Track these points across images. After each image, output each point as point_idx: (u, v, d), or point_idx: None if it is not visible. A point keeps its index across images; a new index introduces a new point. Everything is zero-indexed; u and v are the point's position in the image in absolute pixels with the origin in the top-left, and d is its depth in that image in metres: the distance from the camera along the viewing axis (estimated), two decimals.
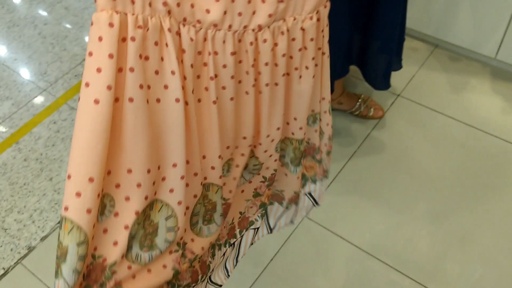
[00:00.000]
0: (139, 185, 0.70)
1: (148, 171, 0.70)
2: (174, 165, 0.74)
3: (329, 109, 0.99)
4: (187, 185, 0.78)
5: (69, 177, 0.63)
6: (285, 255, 1.50)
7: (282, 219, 1.08)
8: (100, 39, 0.63)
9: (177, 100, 0.71)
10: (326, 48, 0.88)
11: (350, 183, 1.65)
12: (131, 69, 0.66)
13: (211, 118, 0.78)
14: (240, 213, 1.00)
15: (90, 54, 0.64)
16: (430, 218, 1.55)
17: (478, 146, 1.71)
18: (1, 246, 1.59)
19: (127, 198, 0.69)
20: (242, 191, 0.98)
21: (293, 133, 0.94)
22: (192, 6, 0.69)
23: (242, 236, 1.02)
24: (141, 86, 0.67)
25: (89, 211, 0.63)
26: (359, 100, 1.79)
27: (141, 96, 0.67)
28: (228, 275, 1.00)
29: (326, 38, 0.88)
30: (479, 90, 1.87)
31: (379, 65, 1.50)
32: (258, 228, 1.02)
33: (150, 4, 0.66)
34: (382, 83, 1.57)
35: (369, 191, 1.63)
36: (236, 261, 1.03)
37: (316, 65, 0.88)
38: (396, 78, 1.92)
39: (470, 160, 1.68)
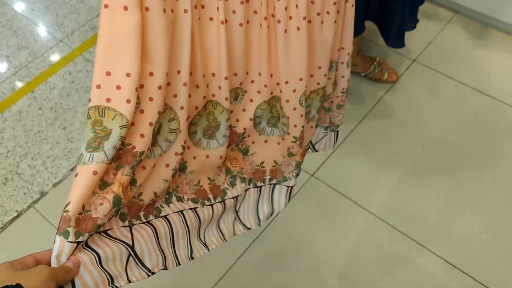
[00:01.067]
0: (160, 87, 0.75)
1: (166, 75, 0.76)
2: (178, 72, 0.78)
3: (347, 61, 0.99)
4: (189, 95, 0.82)
5: (108, 73, 0.71)
6: (290, 211, 1.52)
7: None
8: None
9: (185, 11, 0.76)
10: None
11: (360, 145, 1.65)
12: None
13: (219, 38, 0.81)
14: (275, 162, 1.03)
15: None
16: (438, 183, 1.55)
17: (492, 115, 1.69)
18: (14, 190, 1.64)
19: (151, 99, 0.76)
20: (278, 143, 1.01)
21: (318, 83, 0.95)
22: None
23: (273, 187, 1.04)
24: None
25: (128, 101, 0.72)
26: (374, 63, 1.78)
27: (155, 6, 0.71)
28: (260, 223, 1.03)
29: None
30: (497, 59, 1.84)
31: (393, 23, 1.48)
32: (292, 188, 1.03)
33: None
34: (397, 41, 1.55)
35: (378, 154, 1.63)
36: (271, 214, 1.05)
37: (338, 11, 0.88)
38: (413, 43, 1.89)
39: (482, 128, 1.66)
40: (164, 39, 0.73)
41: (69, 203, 0.68)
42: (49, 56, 2.02)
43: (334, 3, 0.85)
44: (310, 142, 1.13)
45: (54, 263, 0.65)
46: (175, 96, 0.80)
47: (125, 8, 0.69)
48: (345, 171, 1.60)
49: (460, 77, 1.79)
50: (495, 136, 1.64)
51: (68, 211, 0.67)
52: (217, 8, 0.79)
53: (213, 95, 0.87)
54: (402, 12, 1.43)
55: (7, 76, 1.96)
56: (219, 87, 0.85)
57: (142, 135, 0.76)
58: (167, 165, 0.84)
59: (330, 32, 0.89)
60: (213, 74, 0.84)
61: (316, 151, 1.17)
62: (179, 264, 0.85)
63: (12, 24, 2.15)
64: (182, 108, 0.81)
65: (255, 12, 0.82)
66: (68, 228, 0.66)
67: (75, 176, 0.70)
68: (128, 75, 0.71)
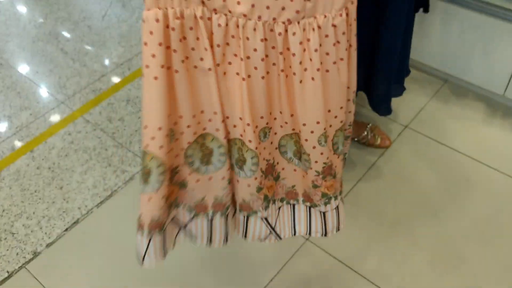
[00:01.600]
0: (188, 126, 1.03)
1: (194, 116, 1.02)
2: (215, 113, 1.02)
3: (353, 98, 1.10)
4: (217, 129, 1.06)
5: (145, 127, 0.96)
6: (284, 277, 1.51)
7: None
8: (151, 33, 0.90)
9: (210, 69, 0.96)
10: (353, 41, 0.99)
11: (353, 211, 1.66)
12: (174, 51, 0.93)
13: (241, 91, 0.98)
14: (305, 190, 1.19)
15: (145, 44, 0.91)
16: (431, 248, 1.55)
17: (484, 181, 1.72)
18: (7, 250, 1.63)
19: (182, 133, 1.03)
20: (303, 176, 1.15)
21: (341, 121, 1.08)
22: (224, 0, 0.90)
23: (310, 209, 1.22)
24: (182, 61, 0.95)
25: (161, 147, 0.98)
26: (367, 129, 1.82)
27: (183, 68, 0.95)
28: (294, 233, 1.25)
29: (354, 32, 0.98)
30: (487, 126, 1.89)
31: (380, 91, 1.54)
32: (324, 213, 1.20)
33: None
34: (383, 109, 1.61)
35: (371, 220, 1.64)
36: (308, 233, 1.25)
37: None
38: (404, 109, 1.95)
39: (475, 195, 1.68)
40: (188, 92, 0.98)
41: (141, 215, 1.04)
42: (50, 117, 2.06)
43: (346, 49, 0.97)
44: None
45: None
46: (217, 130, 1.05)
47: (155, 78, 0.92)
48: (338, 235, 1.60)
49: (452, 143, 1.84)
50: (488, 203, 1.66)
51: (142, 220, 1.05)
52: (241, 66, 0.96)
53: (241, 135, 1.05)
54: (387, 81, 1.50)
55: (7, 136, 1.99)
56: (244, 130, 1.03)
57: (177, 155, 1.07)
58: (223, 178, 1.11)
59: (345, 75, 1.00)
60: (241, 118, 1.02)
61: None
62: (226, 240, 1.21)
63: (16, 86, 2.21)
64: (224, 138, 1.06)
65: (274, 64, 0.97)
66: (144, 230, 1.05)
67: (141, 198, 1.02)
68: (159, 128, 0.96)
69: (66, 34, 2.49)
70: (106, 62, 2.31)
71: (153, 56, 0.90)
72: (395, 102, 1.97)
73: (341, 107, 1.04)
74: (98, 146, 1.92)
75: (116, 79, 2.21)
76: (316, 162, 1.08)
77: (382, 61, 1.46)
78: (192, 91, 0.99)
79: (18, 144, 1.96)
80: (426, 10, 1.58)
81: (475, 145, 1.83)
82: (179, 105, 0.99)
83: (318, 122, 1.01)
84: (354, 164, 1.79)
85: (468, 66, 1.91)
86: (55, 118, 2.06)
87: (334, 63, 0.96)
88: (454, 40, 1.87)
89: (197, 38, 0.93)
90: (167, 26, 0.90)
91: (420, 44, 1.97)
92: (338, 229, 1.24)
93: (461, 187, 1.71)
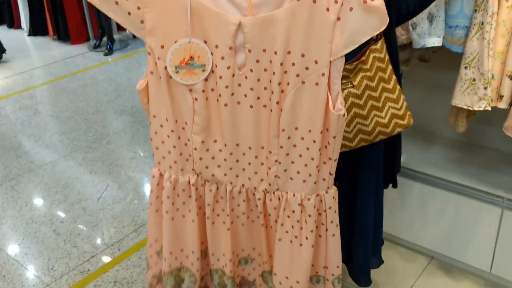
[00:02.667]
0: (164, 259, 1.29)
1: (171, 253, 1.28)
2: (192, 252, 1.26)
3: (332, 280, 1.17)
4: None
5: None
6: None
7: None
8: (153, 178, 1.22)
9: (193, 221, 1.21)
10: (332, 229, 1.10)
11: None
12: (168, 197, 1.19)
13: (226, 237, 1.19)
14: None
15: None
16: None
17: None
18: None
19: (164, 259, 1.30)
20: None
21: (291, 286, 1.21)
22: (213, 175, 1.14)
23: None
24: (173, 207, 1.22)
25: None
26: None
27: (172, 213, 1.23)
28: None
29: (334, 221, 1.09)
30: None
31: (358, 263, 1.58)
32: None
33: (181, 170, 1.16)
34: (363, 280, 1.62)
35: None
36: None
37: (320, 236, 1.10)
38: (394, 286, 1.93)
39: None
40: (170, 232, 1.25)
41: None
42: None
43: (312, 231, 1.08)
44: None
45: None
46: (192, 264, 1.27)
47: (156, 210, 1.26)
48: None
49: None
50: None
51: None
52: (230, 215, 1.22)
53: (223, 267, 1.27)
54: (364, 254, 1.55)
55: None
56: (226, 264, 1.25)
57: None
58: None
59: (307, 253, 1.12)
60: (224, 255, 1.24)
61: None
62: None
63: (2, 268, 2.20)
64: (197, 271, 1.27)
65: (258, 217, 1.18)
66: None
67: None
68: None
69: (60, 215, 2.56)
70: (97, 242, 2.34)
71: (150, 203, 1.22)
72: (385, 281, 1.96)
73: (297, 282, 1.17)
74: None
75: (106, 259, 2.21)
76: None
77: (358, 234, 1.54)
78: (177, 231, 1.21)
79: None
80: (394, 185, 1.68)
81: None
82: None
83: (275, 274, 1.20)
84: None
85: (452, 243, 1.95)
86: None
87: (296, 237, 1.11)
88: (435, 219, 1.95)
89: (189, 196, 1.18)
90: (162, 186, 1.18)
91: (404, 222, 2.03)
92: None
93: None
